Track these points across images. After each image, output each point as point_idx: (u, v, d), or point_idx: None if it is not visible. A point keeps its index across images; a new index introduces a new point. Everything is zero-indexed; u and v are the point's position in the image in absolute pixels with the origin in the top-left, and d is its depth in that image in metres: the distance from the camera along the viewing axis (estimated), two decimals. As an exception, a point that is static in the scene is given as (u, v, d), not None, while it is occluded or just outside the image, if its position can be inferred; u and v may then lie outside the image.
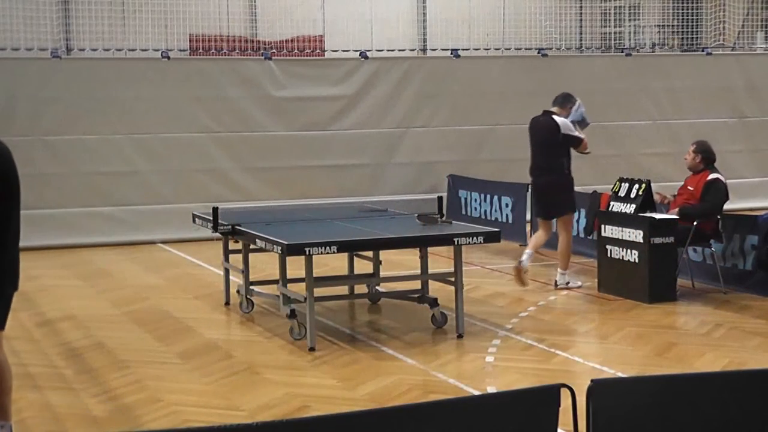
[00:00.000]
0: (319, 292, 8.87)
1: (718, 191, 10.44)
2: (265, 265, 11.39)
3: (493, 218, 14.80)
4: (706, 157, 10.65)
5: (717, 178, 10.49)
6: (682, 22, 19.07)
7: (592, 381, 4.40)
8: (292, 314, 8.91)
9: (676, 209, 10.44)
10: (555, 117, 11.18)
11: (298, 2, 17.35)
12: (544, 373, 7.83)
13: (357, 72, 16.21)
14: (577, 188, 13.08)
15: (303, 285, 8.69)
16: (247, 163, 15.58)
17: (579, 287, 10.99)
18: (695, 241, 10.50)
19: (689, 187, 10.66)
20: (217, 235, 10.01)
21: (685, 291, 10.61)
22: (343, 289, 10.33)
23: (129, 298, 11.01)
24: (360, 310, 10.21)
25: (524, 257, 10.92)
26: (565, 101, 11.42)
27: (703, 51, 18.45)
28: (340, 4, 17.34)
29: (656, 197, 10.75)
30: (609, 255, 10.58)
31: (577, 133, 11.17)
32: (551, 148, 11.12)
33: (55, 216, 14.49)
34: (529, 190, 12.05)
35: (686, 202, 10.58)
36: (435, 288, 9.81)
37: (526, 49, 18.11)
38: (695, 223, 10.29)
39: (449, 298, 9.25)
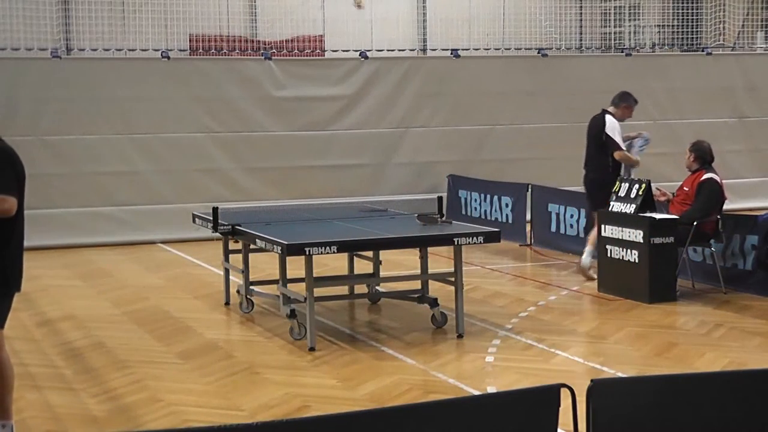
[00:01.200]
0: (319, 292, 8.87)
1: (710, 192, 10.43)
2: (265, 265, 11.38)
3: (493, 218, 14.79)
4: (699, 156, 10.65)
5: (709, 178, 10.48)
6: (682, 22, 19.06)
7: (592, 381, 4.41)
8: (292, 314, 8.91)
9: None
10: (607, 116, 11.44)
11: (298, 2, 17.34)
12: (544, 373, 7.83)
13: (357, 72, 16.20)
14: (576, 188, 13.12)
15: (303, 285, 8.70)
16: (247, 163, 15.58)
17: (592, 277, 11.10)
18: (695, 241, 10.50)
19: (685, 188, 10.68)
20: (217, 235, 10.01)
21: (685, 291, 10.61)
22: (343, 289, 10.33)
23: (129, 298, 11.01)
24: (360, 310, 10.21)
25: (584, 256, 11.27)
26: (620, 100, 11.62)
27: (703, 51, 18.44)
28: (340, 4, 17.34)
29: (656, 193, 10.80)
30: (609, 255, 10.58)
31: (618, 139, 11.31)
32: (597, 145, 11.43)
33: (55, 216, 14.48)
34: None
35: (683, 202, 10.60)
36: (435, 288, 9.81)
37: (526, 49, 18.10)
38: (695, 223, 10.30)
39: (449, 298, 9.25)
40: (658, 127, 17.58)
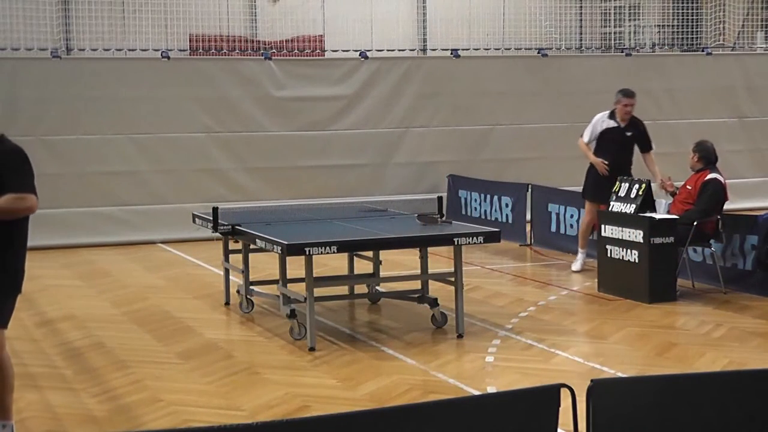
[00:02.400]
0: (319, 292, 8.87)
1: (713, 193, 10.42)
2: (265, 265, 11.38)
3: (493, 218, 14.79)
4: (704, 156, 10.64)
5: (713, 179, 10.47)
6: (682, 22, 19.07)
7: (592, 381, 4.41)
8: (292, 314, 8.91)
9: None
10: (600, 113, 11.86)
11: (298, 2, 17.34)
12: (544, 373, 7.83)
13: (357, 72, 16.20)
14: (576, 188, 13.10)
15: (303, 285, 8.70)
16: (247, 163, 15.58)
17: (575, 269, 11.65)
18: (695, 241, 10.50)
19: (688, 186, 10.68)
20: (217, 235, 10.01)
21: (685, 291, 10.60)
22: (343, 289, 10.32)
23: (129, 298, 11.01)
24: (360, 310, 10.21)
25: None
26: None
27: (703, 51, 18.45)
28: (340, 4, 17.33)
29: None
30: (609, 255, 10.58)
31: (586, 129, 11.74)
32: None
33: (55, 216, 14.46)
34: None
35: (685, 201, 10.59)
36: (435, 288, 9.81)
37: (526, 49, 18.11)
38: (695, 223, 10.29)
39: (449, 298, 9.25)
40: (658, 127, 17.54)
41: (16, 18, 15.57)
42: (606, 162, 11.46)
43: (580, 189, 12.11)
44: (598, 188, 11.53)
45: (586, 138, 11.71)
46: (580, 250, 11.90)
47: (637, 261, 10.22)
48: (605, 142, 11.56)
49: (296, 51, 17.03)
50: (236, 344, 9.00)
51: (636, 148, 11.82)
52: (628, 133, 11.58)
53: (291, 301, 9.02)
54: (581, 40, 19.45)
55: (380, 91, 16.26)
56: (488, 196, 15.06)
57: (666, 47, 19.21)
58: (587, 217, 11.76)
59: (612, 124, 11.56)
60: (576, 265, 11.84)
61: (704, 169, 10.60)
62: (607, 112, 11.69)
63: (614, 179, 10.99)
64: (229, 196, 14.81)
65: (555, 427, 4.39)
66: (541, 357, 8.30)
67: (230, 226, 9.54)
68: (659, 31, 19.49)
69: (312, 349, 8.49)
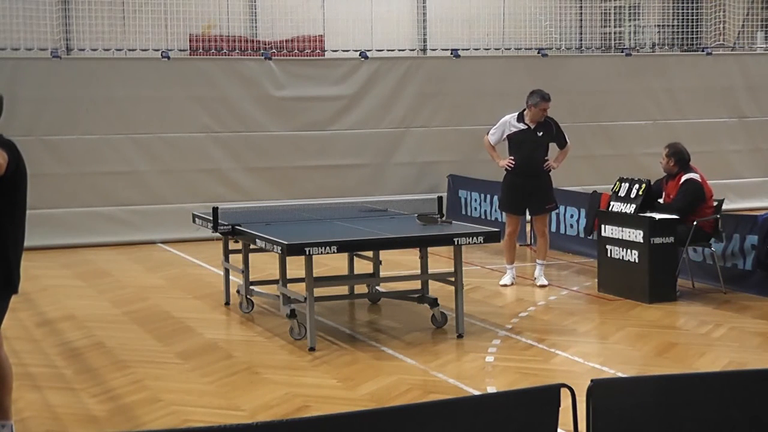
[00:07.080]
0: (319, 292, 8.87)
1: (687, 192, 10.38)
2: (265, 265, 11.38)
3: (493, 218, 14.78)
4: (679, 159, 10.60)
5: (689, 179, 10.46)
6: (682, 22, 19.06)
7: (592, 381, 4.41)
8: (292, 314, 8.91)
9: None
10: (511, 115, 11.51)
11: (298, 2, 17.34)
12: (544, 373, 7.84)
13: (357, 72, 16.20)
14: (576, 188, 13.12)
15: (303, 285, 8.70)
16: (247, 163, 15.58)
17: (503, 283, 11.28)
18: (695, 241, 10.50)
19: (670, 195, 10.61)
20: (217, 235, 10.01)
21: (685, 291, 10.61)
22: (343, 289, 10.32)
23: (129, 298, 11.01)
24: (360, 310, 10.21)
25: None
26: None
27: (703, 51, 18.44)
28: (340, 4, 17.33)
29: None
30: (609, 255, 10.58)
31: (495, 135, 11.45)
32: None
33: (55, 216, 14.48)
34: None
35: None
36: (435, 288, 9.81)
37: (526, 49, 18.10)
38: (695, 222, 10.29)
39: (449, 298, 9.25)
40: (658, 127, 17.61)
41: (16, 18, 15.55)
42: (513, 161, 11.16)
43: (580, 188, 12.09)
44: (511, 199, 11.33)
45: (492, 139, 11.39)
46: (507, 265, 11.44)
47: (637, 261, 10.22)
48: (516, 143, 11.24)
49: (296, 51, 17.03)
50: (236, 344, 9.00)
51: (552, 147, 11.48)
52: (540, 134, 11.25)
53: (291, 301, 9.03)
54: (581, 40, 19.44)
55: (380, 91, 16.25)
56: (488, 196, 15.05)
57: (666, 47, 19.21)
58: (507, 229, 11.39)
59: (521, 126, 11.25)
60: (504, 280, 11.34)
61: (680, 171, 10.56)
62: (515, 114, 11.34)
63: (527, 187, 11.07)
64: (229, 196, 14.81)
65: (555, 427, 4.39)
66: (541, 357, 8.31)
67: (230, 226, 9.54)
68: (659, 31, 19.48)
69: (312, 349, 8.50)
